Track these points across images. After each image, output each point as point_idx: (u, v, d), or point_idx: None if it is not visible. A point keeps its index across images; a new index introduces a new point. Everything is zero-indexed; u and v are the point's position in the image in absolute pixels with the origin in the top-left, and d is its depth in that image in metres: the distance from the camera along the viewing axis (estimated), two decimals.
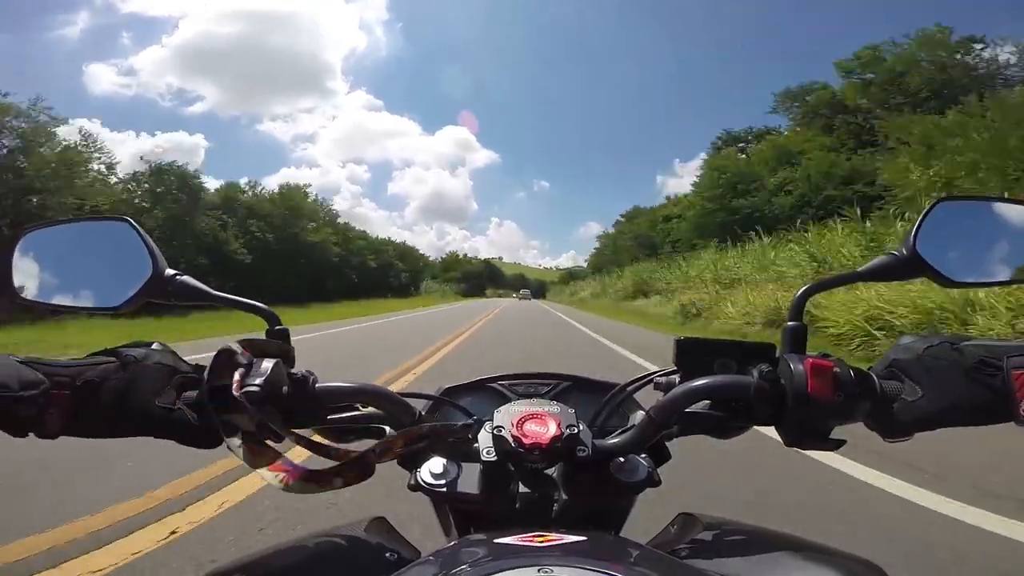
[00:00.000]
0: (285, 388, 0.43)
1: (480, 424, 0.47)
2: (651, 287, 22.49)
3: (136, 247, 0.48)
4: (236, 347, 0.42)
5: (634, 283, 25.22)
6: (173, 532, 1.83)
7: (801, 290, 0.50)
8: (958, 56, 18.62)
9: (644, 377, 0.54)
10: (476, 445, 0.46)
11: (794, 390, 0.42)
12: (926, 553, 1.74)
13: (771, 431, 0.45)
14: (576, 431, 0.44)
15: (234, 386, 0.40)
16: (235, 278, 20.95)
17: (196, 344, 6.57)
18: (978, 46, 18.58)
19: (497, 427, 0.44)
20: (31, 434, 0.37)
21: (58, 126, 18.78)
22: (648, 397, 0.52)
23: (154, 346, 0.43)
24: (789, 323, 0.48)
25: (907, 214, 9.84)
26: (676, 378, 0.50)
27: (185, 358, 0.44)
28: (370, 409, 0.50)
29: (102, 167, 21.29)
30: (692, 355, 0.49)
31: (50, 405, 0.37)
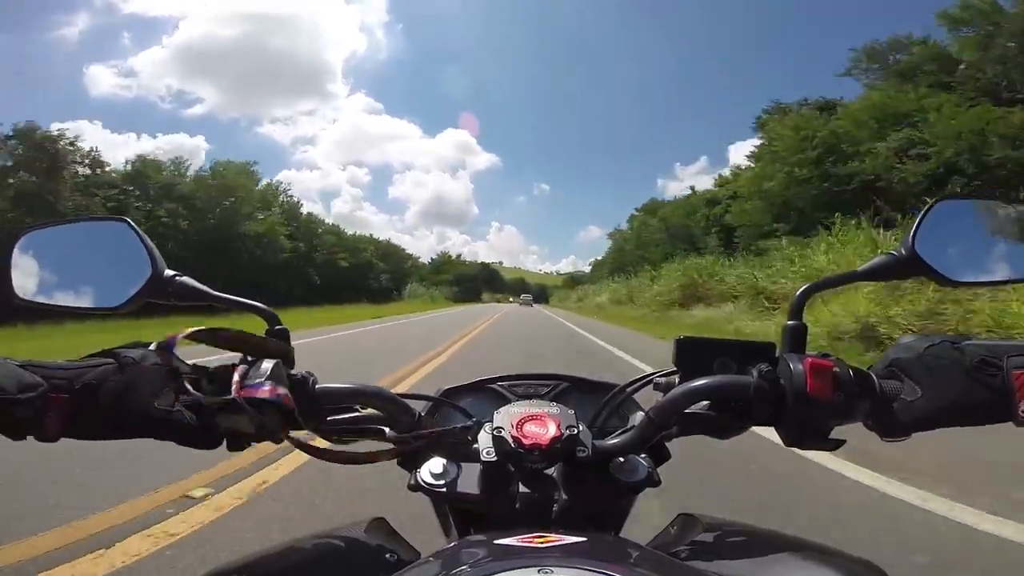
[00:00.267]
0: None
1: (480, 425, 0.47)
2: (710, 291, 16.05)
3: (135, 247, 0.48)
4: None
5: (683, 286, 18.01)
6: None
7: (800, 289, 0.50)
8: None
9: (643, 377, 0.54)
10: (476, 446, 0.46)
11: (794, 390, 0.42)
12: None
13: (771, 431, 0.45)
14: (576, 432, 0.44)
15: (234, 387, 0.40)
16: None
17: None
18: None
19: (497, 428, 0.44)
20: (30, 437, 0.37)
21: None
22: (648, 398, 0.52)
23: (152, 347, 0.43)
24: (788, 322, 0.48)
25: None
26: (676, 378, 0.50)
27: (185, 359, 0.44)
28: (370, 410, 0.50)
29: None
30: (692, 355, 0.49)
31: (48, 408, 0.37)
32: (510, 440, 0.43)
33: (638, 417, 0.50)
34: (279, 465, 2.50)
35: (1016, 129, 12.24)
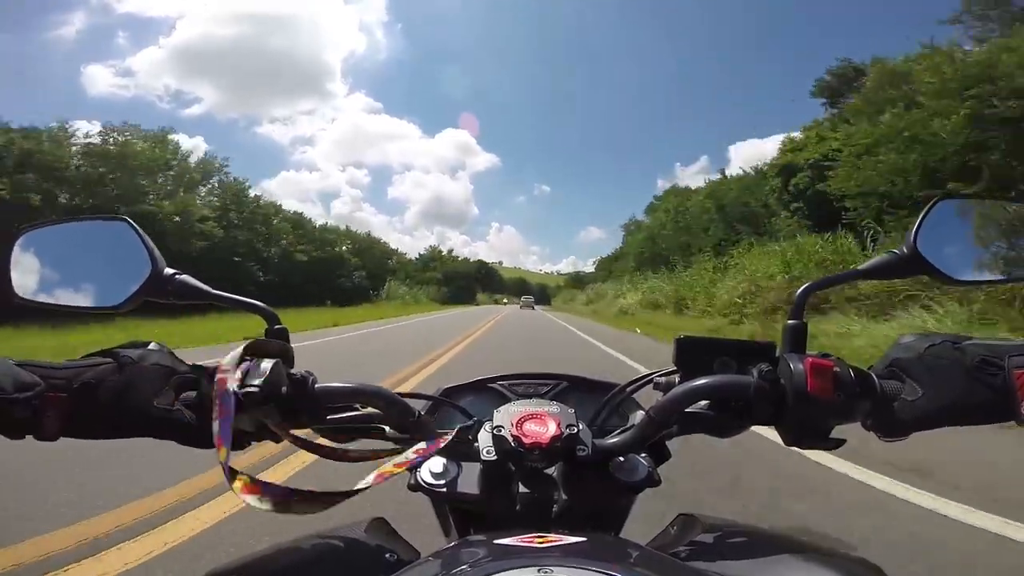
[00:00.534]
0: (285, 388, 0.43)
1: (480, 424, 0.47)
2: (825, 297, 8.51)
3: (135, 246, 0.48)
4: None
5: (784, 286, 11.00)
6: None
7: (801, 288, 0.50)
8: None
9: (644, 377, 0.54)
10: (476, 445, 0.46)
11: (794, 389, 0.42)
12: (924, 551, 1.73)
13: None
14: (576, 431, 0.44)
15: (234, 386, 0.40)
16: None
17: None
18: None
19: (497, 427, 0.44)
20: (29, 436, 0.37)
21: None
22: (648, 397, 0.52)
23: (151, 346, 0.43)
24: (789, 322, 0.48)
25: None
26: (676, 378, 0.50)
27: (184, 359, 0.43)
28: (369, 409, 0.50)
29: None
30: (692, 354, 0.49)
31: (47, 407, 0.37)
32: (510, 439, 0.43)
33: (638, 416, 0.50)
34: (276, 468, 2.50)
35: None
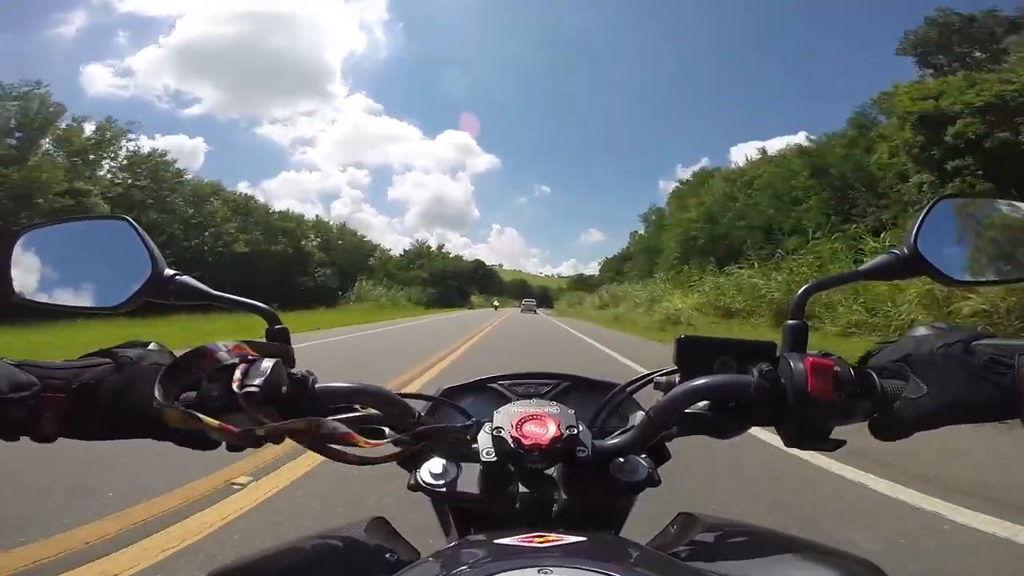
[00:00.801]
0: (284, 388, 0.43)
1: (480, 425, 0.47)
2: None
3: (135, 247, 0.48)
4: (220, 347, 0.41)
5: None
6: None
7: (802, 288, 0.50)
8: None
9: (644, 377, 0.54)
10: (476, 446, 0.46)
11: (794, 389, 0.42)
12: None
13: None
14: (576, 431, 0.44)
15: (234, 386, 0.40)
16: None
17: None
18: None
19: (497, 428, 0.44)
20: (26, 437, 0.37)
21: None
22: (648, 397, 0.52)
23: (151, 346, 0.43)
24: (789, 321, 0.48)
25: None
26: (676, 378, 0.50)
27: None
28: (369, 410, 0.50)
29: None
30: (692, 354, 0.49)
31: (44, 408, 0.37)
32: (510, 440, 0.43)
33: (638, 417, 0.50)
34: (282, 471, 2.50)
35: None
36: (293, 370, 0.45)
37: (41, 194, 16.80)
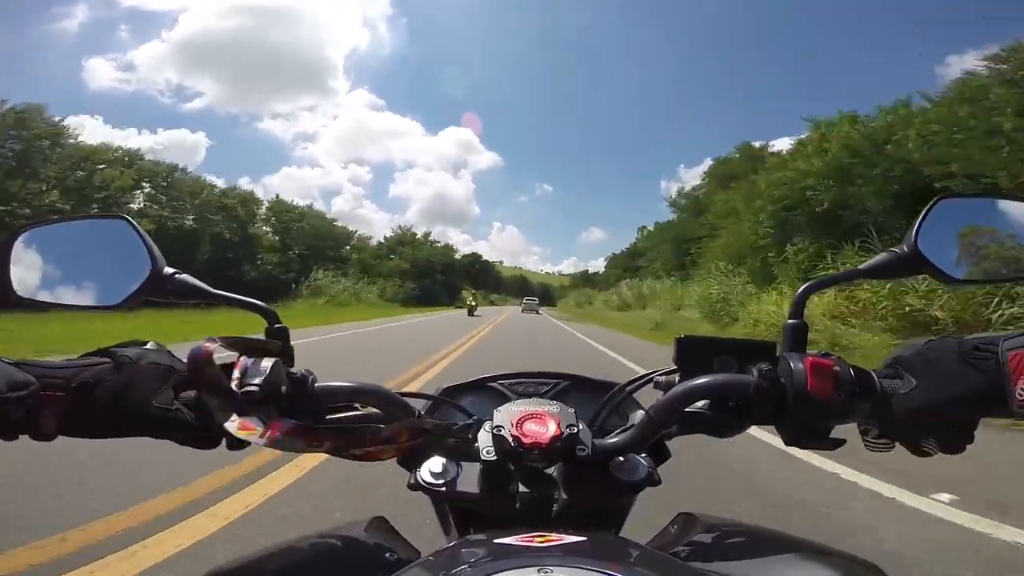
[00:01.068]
0: (284, 387, 0.43)
1: (480, 424, 0.47)
2: None
3: (135, 245, 0.48)
4: (215, 345, 0.41)
5: None
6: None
7: (801, 288, 0.50)
8: None
9: (643, 376, 0.54)
10: (476, 445, 0.46)
11: (794, 389, 0.42)
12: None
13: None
14: (576, 431, 0.44)
15: (233, 385, 0.40)
16: None
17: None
18: None
19: (497, 427, 0.44)
20: (25, 436, 0.37)
21: None
22: (648, 397, 0.52)
23: (149, 345, 0.43)
24: (789, 321, 0.48)
25: None
26: (676, 377, 0.50)
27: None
28: (369, 409, 0.50)
29: None
30: (692, 354, 0.49)
31: (43, 407, 0.37)
32: (510, 439, 0.43)
33: (638, 416, 0.50)
34: (282, 471, 2.50)
35: None
36: (292, 369, 0.45)
37: None
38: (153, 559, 1.65)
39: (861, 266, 0.50)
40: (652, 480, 0.46)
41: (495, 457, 0.44)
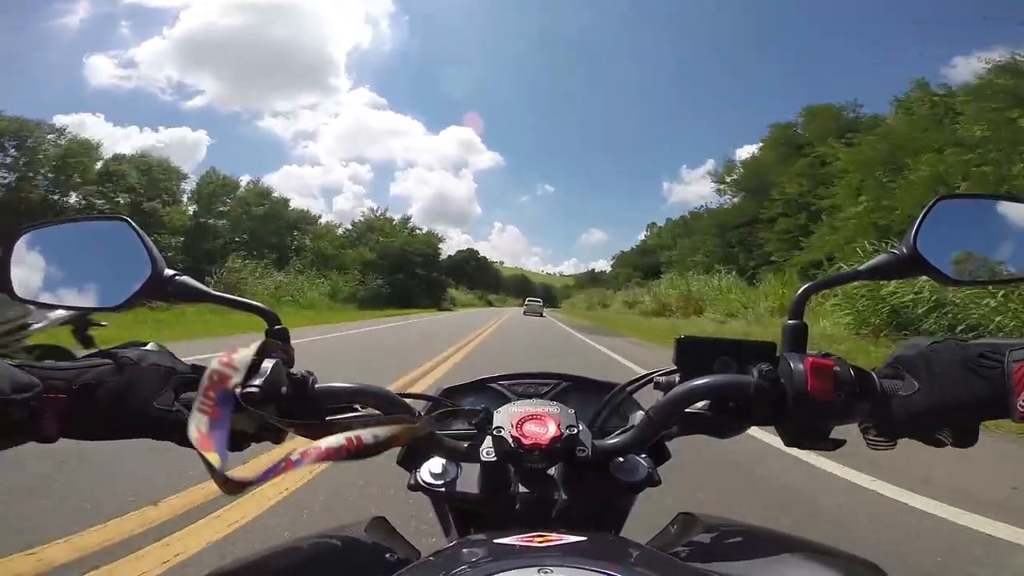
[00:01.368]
0: (284, 388, 0.43)
1: (483, 423, 0.47)
2: None
3: (135, 247, 0.48)
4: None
5: None
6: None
7: (801, 288, 0.50)
8: None
9: (643, 377, 0.54)
10: (476, 445, 0.46)
11: (794, 389, 0.42)
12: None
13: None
14: (576, 431, 0.44)
15: (234, 387, 0.40)
16: None
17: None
18: None
19: (497, 427, 0.44)
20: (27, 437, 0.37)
21: None
22: (648, 397, 0.52)
23: (150, 347, 0.43)
24: (789, 322, 0.48)
25: None
26: (676, 378, 0.50)
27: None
28: (370, 410, 0.50)
29: None
30: (692, 354, 0.49)
31: (45, 409, 0.37)
32: (510, 440, 0.43)
33: (638, 416, 0.50)
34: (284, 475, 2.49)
35: None
36: (293, 370, 0.45)
37: None
38: (156, 561, 1.65)
39: (860, 267, 0.50)
40: (652, 481, 0.46)
41: (495, 458, 0.44)
